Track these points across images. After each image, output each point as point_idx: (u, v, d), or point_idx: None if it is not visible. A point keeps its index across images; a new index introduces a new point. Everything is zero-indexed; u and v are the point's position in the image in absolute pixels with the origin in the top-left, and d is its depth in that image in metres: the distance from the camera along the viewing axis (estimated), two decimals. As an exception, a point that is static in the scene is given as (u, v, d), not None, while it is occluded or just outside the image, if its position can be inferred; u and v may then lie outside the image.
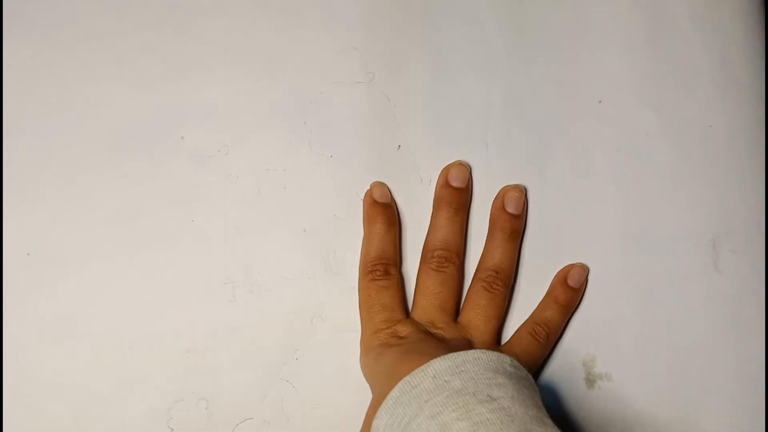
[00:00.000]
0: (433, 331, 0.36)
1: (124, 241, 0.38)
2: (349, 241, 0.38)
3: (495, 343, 0.37)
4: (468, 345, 0.36)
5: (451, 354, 0.30)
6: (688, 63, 0.41)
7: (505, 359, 0.31)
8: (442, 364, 0.30)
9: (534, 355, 0.36)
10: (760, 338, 0.37)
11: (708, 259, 0.39)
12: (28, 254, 0.38)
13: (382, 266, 0.37)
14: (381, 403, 0.30)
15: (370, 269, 0.37)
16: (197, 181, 0.39)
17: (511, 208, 0.38)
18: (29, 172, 0.39)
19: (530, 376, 0.32)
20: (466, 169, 0.39)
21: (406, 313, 0.37)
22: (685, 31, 0.42)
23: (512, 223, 0.38)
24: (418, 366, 0.30)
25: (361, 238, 0.38)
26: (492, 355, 0.30)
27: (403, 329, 0.36)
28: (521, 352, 0.36)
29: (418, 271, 0.38)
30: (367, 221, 0.38)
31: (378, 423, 0.29)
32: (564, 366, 0.37)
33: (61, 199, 0.38)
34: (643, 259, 0.39)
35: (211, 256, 0.38)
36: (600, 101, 0.41)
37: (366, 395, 0.35)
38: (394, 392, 0.29)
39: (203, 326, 0.37)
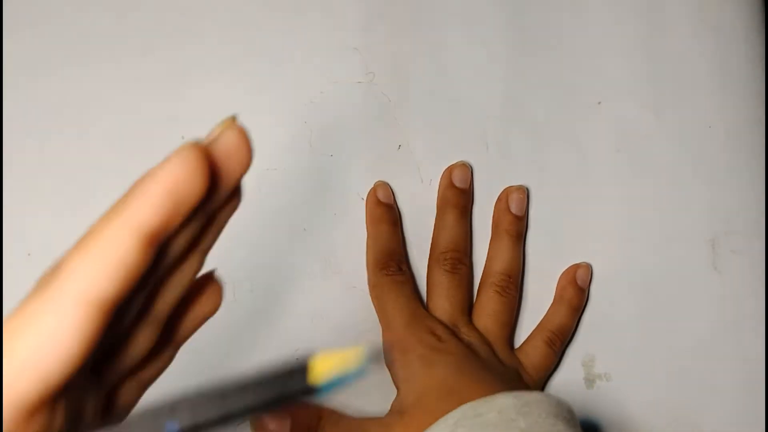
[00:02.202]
0: (459, 335, 0.36)
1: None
2: (349, 241, 0.38)
3: (509, 348, 0.37)
4: (493, 356, 0.35)
5: (516, 392, 0.30)
6: (687, 63, 0.41)
7: (564, 405, 0.31)
8: (508, 401, 0.30)
9: (549, 365, 0.37)
10: (760, 338, 0.37)
11: (708, 259, 0.39)
12: (29, 254, 0.38)
13: (395, 263, 0.37)
14: (432, 414, 0.30)
15: (382, 266, 0.37)
16: (197, 181, 0.39)
17: (515, 210, 0.38)
18: (29, 172, 0.39)
19: (578, 423, 0.32)
20: (468, 170, 0.39)
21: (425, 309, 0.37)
22: (685, 32, 0.42)
23: (517, 225, 0.38)
24: (479, 391, 0.30)
25: (362, 237, 0.38)
26: (554, 400, 0.31)
27: (441, 331, 0.35)
28: (538, 362, 0.36)
29: (430, 271, 0.38)
30: (372, 221, 0.38)
31: None
32: (563, 366, 0.37)
33: (61, 199, 0.39)
34: (643, 259, 0.39)
35: (211, 256, 0.38)
36: (599, 102, 0.41)
37: (367, 394, 0.35)
38: (457, 413, 0.30)
39: (203, 326, 0.37)
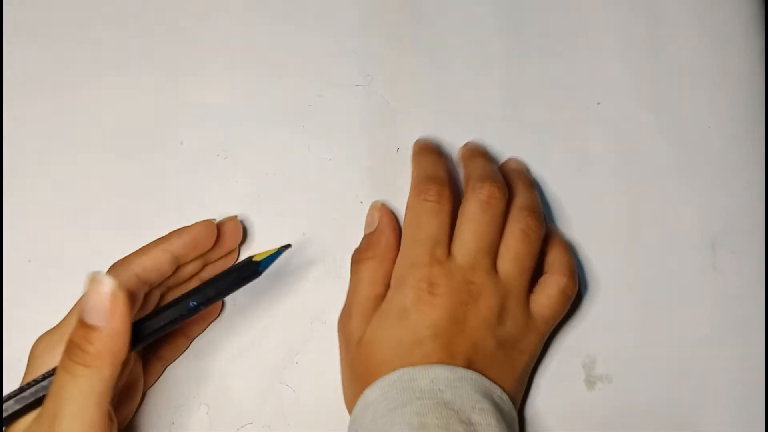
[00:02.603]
0: (472, 277, 0.33)
1: (124, 247, 0.38)
2: (348, 244, 0.38)
3: (524, 303, 0.35)
4: (497, 317, 0.34)
5: (451, 366, 0.32)
6: (686, 63, 0.41)
7: (496, 389, 0.33)
8: (442, 373, 0.32)
9: (562, 314, 0.36)
10: (760, 339, 0.37)
11: (707, 259, 0.39)
12: (29, 261, 0.38)
13: (435, 188, 0.35)
14: (383, 363, 0.33)
15: (423, 189, 0.35)
16: (197, 186, 0.39)
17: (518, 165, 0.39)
18: (29, 177, 0.39)
19: (514, 410, 0.33)
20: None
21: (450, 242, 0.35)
22: (684, 32, 0.42)
23: (527, 175, 0.39)
24: (434, 352, 0.32)
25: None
26: (486, 382, 0.32)
27: (440, 279, 0.33)
28: (550, 314, 0.35)
29: (464, 202, 0.35)
30: (415, 153, 0.39)
31: (370, 395, 0.32)
32: (564, 368, 0.37)
33: (61, 204, 0.39)
34: (642, 259, 0.39)
35: (211, 261, 0.38)
36: (598, 103, 0.41)
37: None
38: (393, 376, 0.32)
39: (207, 328, 0.38)
